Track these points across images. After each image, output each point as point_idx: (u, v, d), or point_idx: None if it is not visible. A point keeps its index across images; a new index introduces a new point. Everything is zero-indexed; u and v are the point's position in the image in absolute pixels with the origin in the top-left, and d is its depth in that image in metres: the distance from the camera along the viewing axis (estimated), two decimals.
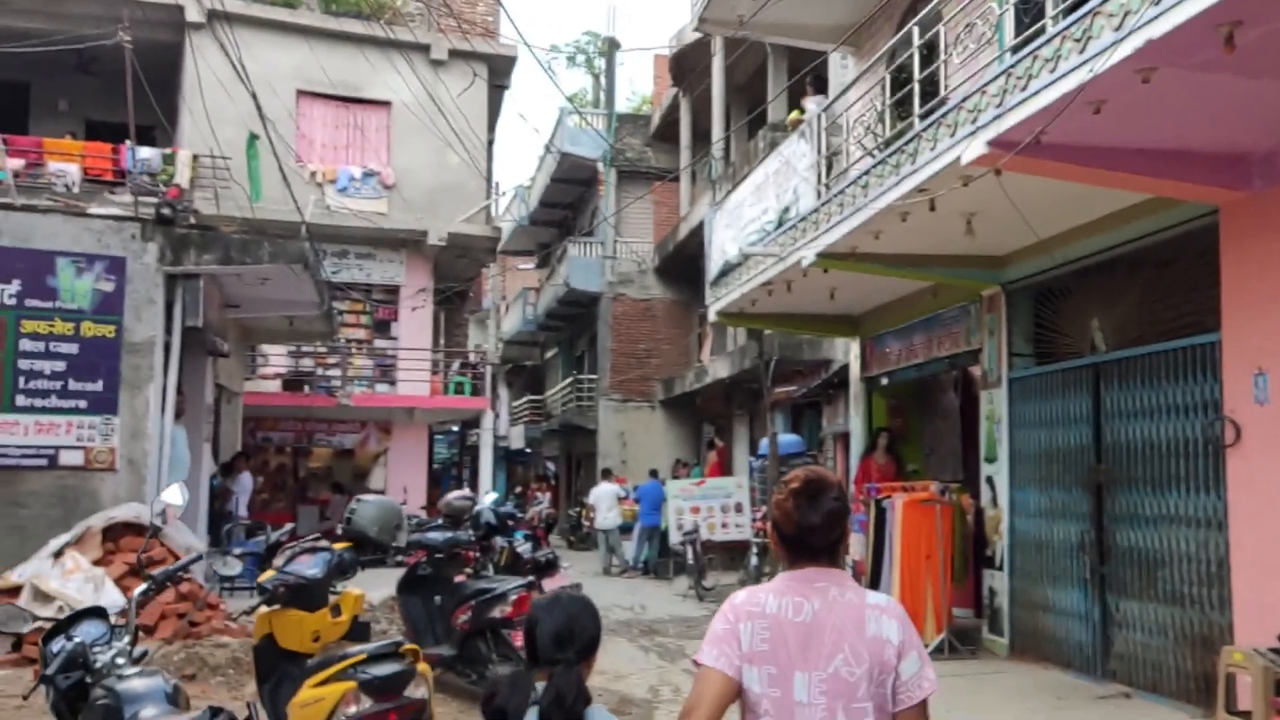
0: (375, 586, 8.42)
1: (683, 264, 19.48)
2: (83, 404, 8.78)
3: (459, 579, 6.60)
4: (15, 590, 7.00)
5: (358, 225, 17.24)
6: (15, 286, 8.69)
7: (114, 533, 7.81)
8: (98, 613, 3.06)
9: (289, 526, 5.47)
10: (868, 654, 1.95)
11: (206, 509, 10.85)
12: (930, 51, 6.91)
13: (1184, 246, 6.04)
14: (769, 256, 8.18)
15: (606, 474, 16.70)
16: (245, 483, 13.20)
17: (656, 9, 58.71)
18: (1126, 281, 6.67)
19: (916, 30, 6.77)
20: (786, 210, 8.19)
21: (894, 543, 7.63)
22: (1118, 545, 6.37)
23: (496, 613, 5.99)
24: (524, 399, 29.55)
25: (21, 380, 8.63)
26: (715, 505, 13.49)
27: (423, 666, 3.57)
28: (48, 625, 3.25)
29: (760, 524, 12.99)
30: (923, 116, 6.34)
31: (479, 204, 18.15)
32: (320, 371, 17.85)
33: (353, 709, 3.30)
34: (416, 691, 3.45)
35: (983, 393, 8.03)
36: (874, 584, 7.57)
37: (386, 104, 17.69)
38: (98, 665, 2.84)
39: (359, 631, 4.38)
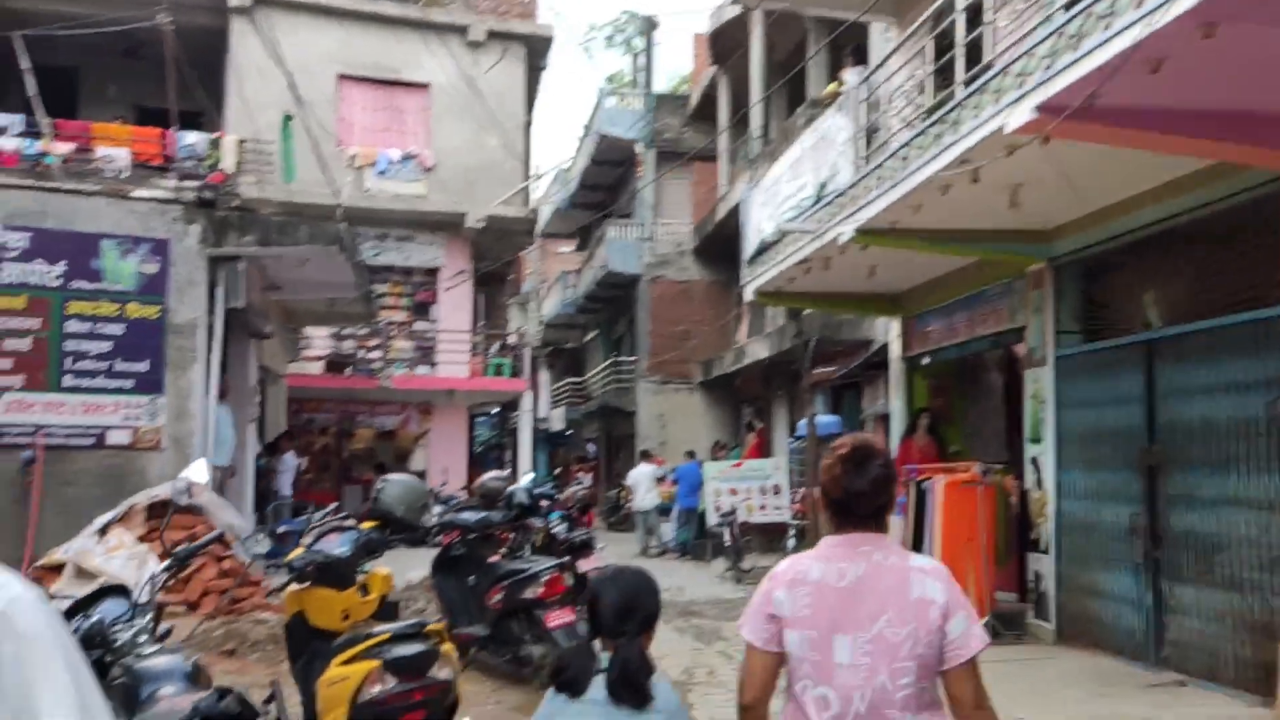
0: (414, 566, 8.50)
1: (721, 245, 19.26)
2: (129, 384, 8.92)
3: (493, 559, 6.59)
4: (59, 568, 7.15)
5: (397, 208, 17.33)
6: (61, 268, 8.83)
7: (158, 510, 7.94)
8: (120, 590, 3.06)
9: (333, 506, 5.49)
10: (913, 615, 1.99)
11: (252, 488, 11.03)
12: (976, 15, 6.65)
13: (1246, 216, 5.74)
14: (806, 233, 7.98)
15: (645, 455, 16.65)
16: (289, 462, 13.42)
17: None
18: (1183, 254, 6.38)
19: None
20: (824, 185, 7.98)
21: (934, 525, 7.45)
22: (1172, 529, 6.14)
23: (529, 593, 5.97)
24: (564, 381, 29.62)
25: (68, 361, 8.78)
26: (754, 487, 13.36)
27: (447, 647, 3.53)
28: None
29: (799, 506, 12.83)
30: (966, 83, 6.10)
31: (517, 186, 18.12)
32: (361, 354, 18.04)
33: (377, 688, 3.28)
34: (441, 672, 3.41)
35: (1027, 372, 7.78)
36: None
37: (425, 86, 17.69)
38: (118, 644, 2.83)
39: (387, 611, 4.38)
